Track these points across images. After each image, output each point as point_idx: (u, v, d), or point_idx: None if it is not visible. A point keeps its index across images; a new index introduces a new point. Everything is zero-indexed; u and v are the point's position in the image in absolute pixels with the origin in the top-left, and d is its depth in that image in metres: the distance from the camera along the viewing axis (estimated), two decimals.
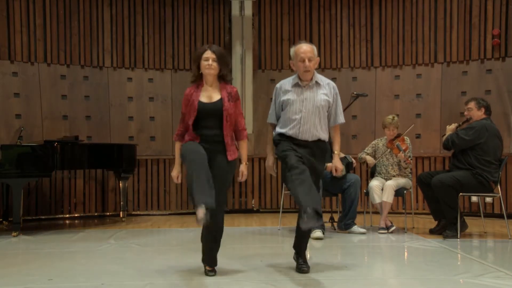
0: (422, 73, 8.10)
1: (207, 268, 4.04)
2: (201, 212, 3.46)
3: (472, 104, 5.79)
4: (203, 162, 3.69)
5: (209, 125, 3.86)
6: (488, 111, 5.78)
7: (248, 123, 8.17)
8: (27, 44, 7.64)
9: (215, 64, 3.86)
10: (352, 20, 8.40)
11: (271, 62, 8.52)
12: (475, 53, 7.77)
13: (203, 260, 4.08)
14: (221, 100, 3.87)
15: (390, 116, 6.32)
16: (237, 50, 8.19)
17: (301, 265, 4.10)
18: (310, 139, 4.02)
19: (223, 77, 3.96)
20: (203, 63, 3.86)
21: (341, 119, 4.19)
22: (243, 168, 4.00)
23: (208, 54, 3.86)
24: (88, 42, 8.01)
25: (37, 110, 7.66)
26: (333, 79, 8.20)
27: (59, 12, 7.81)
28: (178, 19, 8.41)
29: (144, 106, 8.28)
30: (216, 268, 4.05)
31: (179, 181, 4.01)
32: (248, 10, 8.16)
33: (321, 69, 8.31)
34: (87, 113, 8.00)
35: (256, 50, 8.43)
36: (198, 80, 3.96)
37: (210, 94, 3.90)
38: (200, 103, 3.86)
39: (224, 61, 3.92)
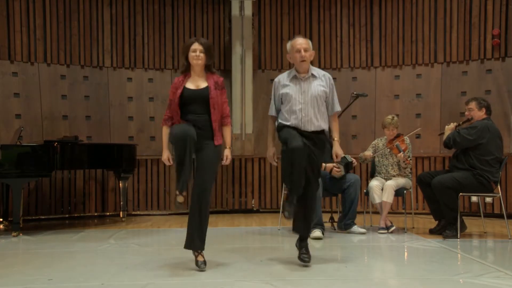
0: (422, 73, 8.10)
1: (196, 253, 4.13)
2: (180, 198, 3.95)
3: (473, 105, 5.78)
4: (187, 145, 3.90)
5: (196, 111, 4.10)
6: (488, 111, 5.77)
7: (248, 123, 8.18)
8: (27, 44, 7.64)
9: (202, 55, 4.13)
10: (352, 20, 8.40)
11: (271, 62, 8.53)
12: (475, 53, 7.77)
13: (190, 245, 4.14)
14: (207, 88, 4.13)
15: (390, 116, 6.32)
16: (237, 50, 8.19)
17: (303, 254, 4.26)
18: (311, 129, 4.22)
19: (209, 67, 4.21)
20: (191, 54, 4.13)
21: (337, 107, 4.42)
22: (227, 152, 4.24)
23: (196, 45, 4.13)
24: (88, 42, 8.01)
25: (37, 110, 7.66)
26: (333, 79, 8.29)
27: (59, 12, 7.82)
28: (178, 19, 8.42)
29: (144, 106, 8.29)
30: (206, 259, 4.15)
31: (171, 163, 4.22)
32: (248, 10, 8.17)
33: (321, 69, 8.26)
34: (87, 113, 8.00)
35: (256, 50, 8.43)
36: (187, 71, 4.21)
37: (197, 83, 4.17)
38: (186, 89, 4.12)
39: (210, 52, 4.19)
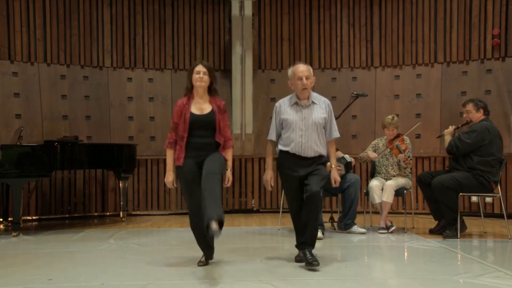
0: (422, 73, 8.10)
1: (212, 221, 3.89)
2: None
3: (470, 107, 5.77)
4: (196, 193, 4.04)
5: (200, 134, 4.16)
6: (486, 111, 5.75)
7: (248, 123, 8.17)
8: (27, 44, 7.65)
9: (206, 77, 4.20)
10: (352, 20, 8.40)
11: (271, 62, 8.53)
12: (475, 53, 7.77)
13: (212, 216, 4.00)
14: (212, 111, 4.19)
15: (390, 116, 6.32)
16: (237, 50, 8.19)
17: (310, 259, 4.22)
18: (311, 155, 4.32)
19: (211, 89, 4.26)
20: (195, 76, 4.21)
21: (336, 134, 4.49)
22: (229, 174, 4.24)
23: (200, 67, 4.20)
24: (88, 42, 8.01)
25: (37, 110, 7.66)
26: (333, 79, 8.33)
27: (59, 12, 7.82)
28: (178, 19, 8.42)
29: (144, 106, 8.29)
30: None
31: (175, 185, 4.32)
32: (248, 10, 8.17)
33: (321, 69, 8.30)
34: (87, 113, 8.00)
35: (256, 50, 8.43)
36: (189, 93, 4.26)
37: (201, 106, 4.22)
38: (192, 114, 4.17)
39: (213, 75, 4.26)
